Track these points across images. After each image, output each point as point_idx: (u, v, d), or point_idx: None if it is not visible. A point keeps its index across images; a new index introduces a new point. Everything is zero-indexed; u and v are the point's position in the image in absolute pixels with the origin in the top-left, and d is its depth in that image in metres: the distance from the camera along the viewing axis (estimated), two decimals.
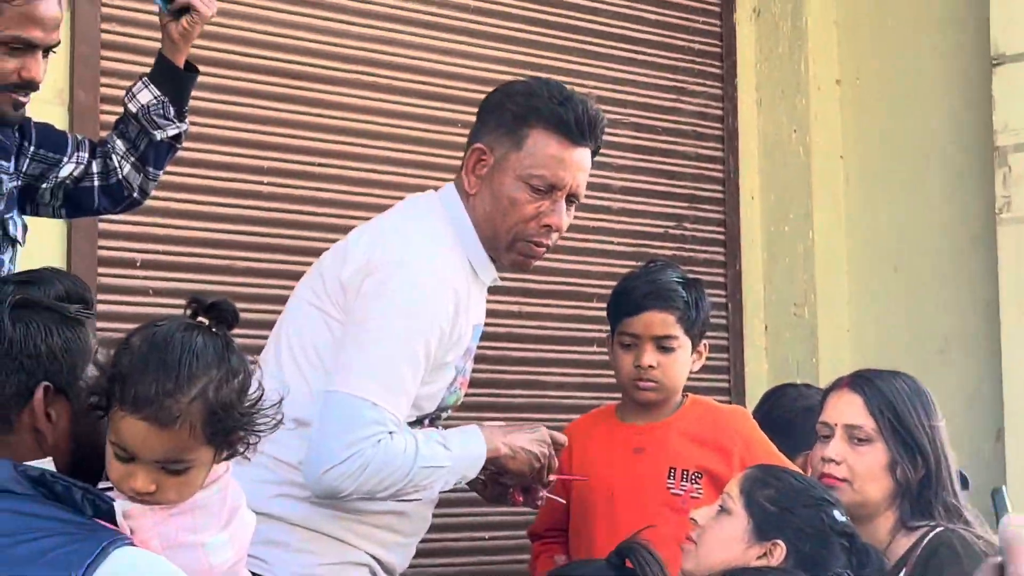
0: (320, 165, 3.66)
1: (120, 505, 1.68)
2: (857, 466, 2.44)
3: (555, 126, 2.42)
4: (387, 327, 2.33)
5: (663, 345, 2.82)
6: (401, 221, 2.52)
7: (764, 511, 2.21)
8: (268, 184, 3.56)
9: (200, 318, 1.79)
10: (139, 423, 1.68)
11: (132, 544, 1.59)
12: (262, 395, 1.81)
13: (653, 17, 4.33)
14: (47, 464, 1.69)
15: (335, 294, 2.37)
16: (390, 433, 2.32)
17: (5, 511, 1.60)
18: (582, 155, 2.44)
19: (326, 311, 2.36)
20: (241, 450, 1.80)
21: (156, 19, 2.55)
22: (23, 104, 2.31)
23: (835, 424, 2.50)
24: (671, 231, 4.35)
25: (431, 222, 2.48)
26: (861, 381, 2.53)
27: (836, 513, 2.20)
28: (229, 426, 1.75)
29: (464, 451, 2.43)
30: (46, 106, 2.93)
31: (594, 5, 4.18)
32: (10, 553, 1.56)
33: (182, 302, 1.91)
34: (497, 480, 2.56)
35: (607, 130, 2.73)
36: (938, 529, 2.39)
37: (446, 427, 2.65)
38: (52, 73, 2.99)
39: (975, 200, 4.09)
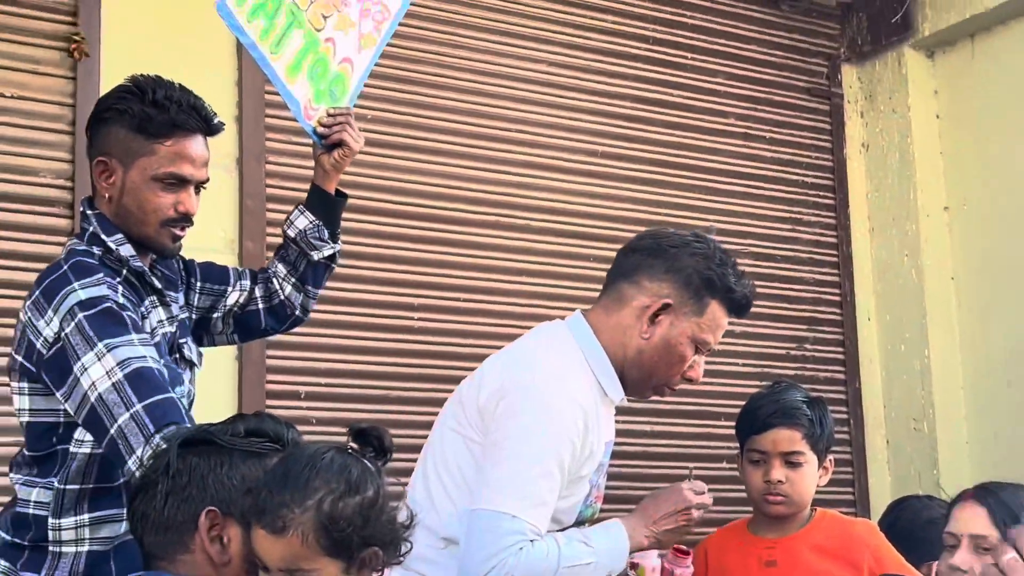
0: (464, 300, 3.86)
1: None
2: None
3: (730, 303, 2.56)
4: (522, 445, 2.40)
5: (791, 460, 2.87)
6: (530, 347, 2.60)
7: None
8: (419, 320, 3.77)
9: (352, 444, 1.85)
10: (259, 531, 1.75)
11: None
12: (396, 514, 1.84)
13: (769, 155, 4.52)
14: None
15: (473, 419, 2.44)
16: (531, 541, 2.36)
17: None
18: None
19: (467, 436, 2.43)
20: (379, 567, 1.81)
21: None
22: (180, 237, 2.43)
23: (961, 535, 2.51)
24: (792, 352, 4.46)
25: (558, 346, 2.56)
26: (984, 493, 2.57)
27: None
28: (348, 540, 1.75)
29: (607, 546, 2.46)
30: (218, 255, 3.15)
31: (714, 146, 4.37)
32: None
33: (343, 430, 2.00)
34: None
35: None
36: None
37: None
38: (223, 224, 3.56)
39: None
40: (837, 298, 4.61)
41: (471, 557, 2.36)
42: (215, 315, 2.63)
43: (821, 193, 4.61)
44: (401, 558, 1.85)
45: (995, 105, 4.53)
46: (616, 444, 2.84)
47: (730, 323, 3.11)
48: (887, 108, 4.75)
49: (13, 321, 2.76)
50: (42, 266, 2.87)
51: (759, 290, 4.23)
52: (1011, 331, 4.43)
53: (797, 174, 4.58)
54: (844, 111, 4.76)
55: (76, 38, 3.38)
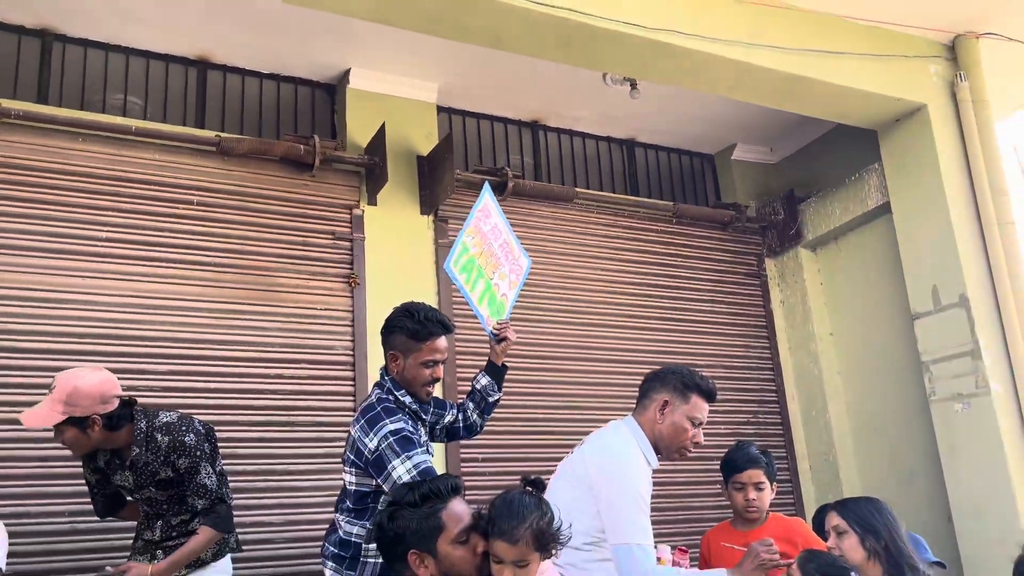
0: (570, 406, 5.07)
1: None
2: (842, 546, 2.93)
3: (702, 392, 3.04)
4: (629, 500, 2.78)
5: (758, 487, 3.55)
6: (611, 438, 3.00)
7: (810, 574, 2.70)
8: (546, 412, 4.94)
9: (527, 488, 2.32)
10: (500, 542, 2.12)
11: None
12: (560, 524, 2.24)
13: (729, 312, 5.81)
14: None
15: (584, 479, 2.85)
16: (658, 559, 2.78)
17: None
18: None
19: (584, 484, 2.82)
20: (553, 553, 2.21)
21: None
22: (432, 391, 3.05)
23: (829, 528, 3.00)
24: (750, 421, 5.73)
25: (624, 435, 2.99)
26: (839, 504, 3.06)
27: (852, 573, 2.69)
28: (547, 542, 2.16)
29: None
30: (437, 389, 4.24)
31: (693, 310, 5.67)
32: None
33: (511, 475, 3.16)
34: None
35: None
36: None
37: None
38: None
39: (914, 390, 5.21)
40: (773, 389, 5.92)
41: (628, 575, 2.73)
42: (438, 426, 3.28)
43: (759, 331, 5.98)
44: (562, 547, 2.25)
45: (849, 277, 5.80)
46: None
47: (711, 408, 3.85)
48: (793, 281, 6.10)
49: (328, 432, 4.04)
50: (333, 402, 4.23)
51: (730, 389, 5.51)
52: (873, 400, 5.58)
53: (746, 321, 5.95)
54: (768, 284, 6.11)
55: (352, 275, 4.66)
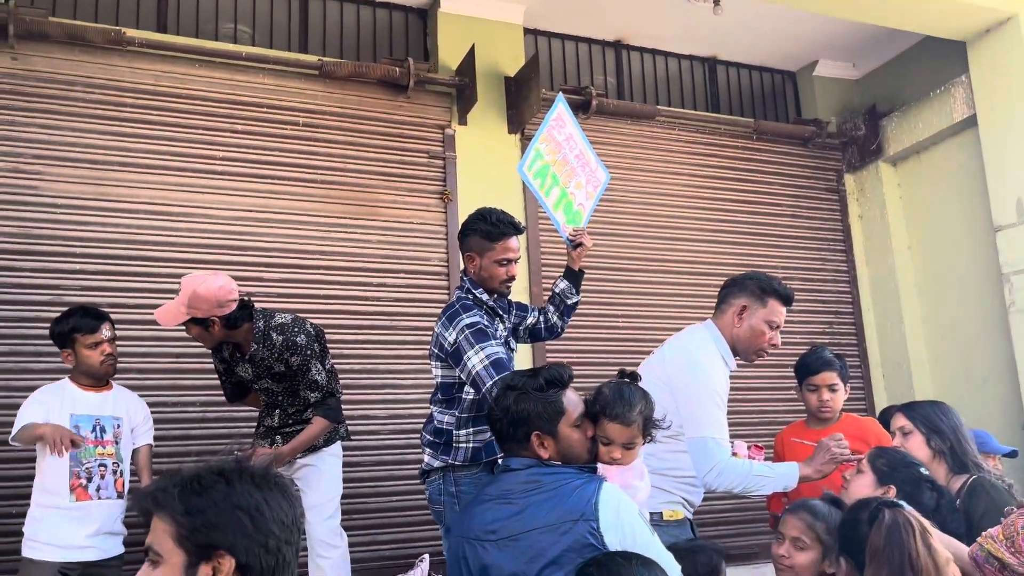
0: (645, 315, 5.14)
1: (601, 468, 2.21)
2: (907, 445, 2.88)
3: (779, 296, 3.00)
4: (706, 396, 2.80)
5: (832, 388, 3.54)
6: (690, 339, 3.02)
7: (881, 471, 2.60)
8: (620, 327, 5.03)
9: (626, 378, 2.38)
10: (615, 425, 2.22)
11: (609, 482, 2.10)
12: (662, 415, 2.37)
13: (811, 224, 5.74)
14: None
15: (663, 378, 2.84)
16: (734, 454, 2.78)
17: (542, 473, 2.15)
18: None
19: (663, 383, 2.80)
20: (652, 437, 2.32)
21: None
22: (510, 288, 3.09)
23: (895, 429, 2.99)
24: (827, 330, 5.73)
25: (704, 337, 3.01)
26: (906, 406, 3.05)
27: (922, 470, 2.58)
28: (652, 426, 2.28)
29: (783, 471, 2.86)
30: (521, 295, 4.50)
31: (776, 221, 5.61)
32: (557, 491, 2.08)
33: (593, 377, 3.06)
34: None
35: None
36: (974, 476, 2.74)
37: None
38: (522, 280, 4.60)
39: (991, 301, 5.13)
40: (849, 300, 5.86)
41: (701, 467, 2.78)
42: (520, 327, 3.34)
43: (837, 245, 5.90)
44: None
45: (931, 191, 5.66)
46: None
47: (788, 318, 3.75)
48: (872, 195, 5.95)
49: (425, 336, 3.93)
50: (430, 308, 4.26)
51: (806, 300, 5.48)
52: (950, 310, 5.53)
53: (824, 235, 5.90)
54: (847, 199, 5.98)
55: (445, 191, 4.81)
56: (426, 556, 4.06)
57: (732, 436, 3.02)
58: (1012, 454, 3.63)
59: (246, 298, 3.48)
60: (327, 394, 3.47)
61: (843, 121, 6.11)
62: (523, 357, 4.67)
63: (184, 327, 3.39)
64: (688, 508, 2.93)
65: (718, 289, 3.13)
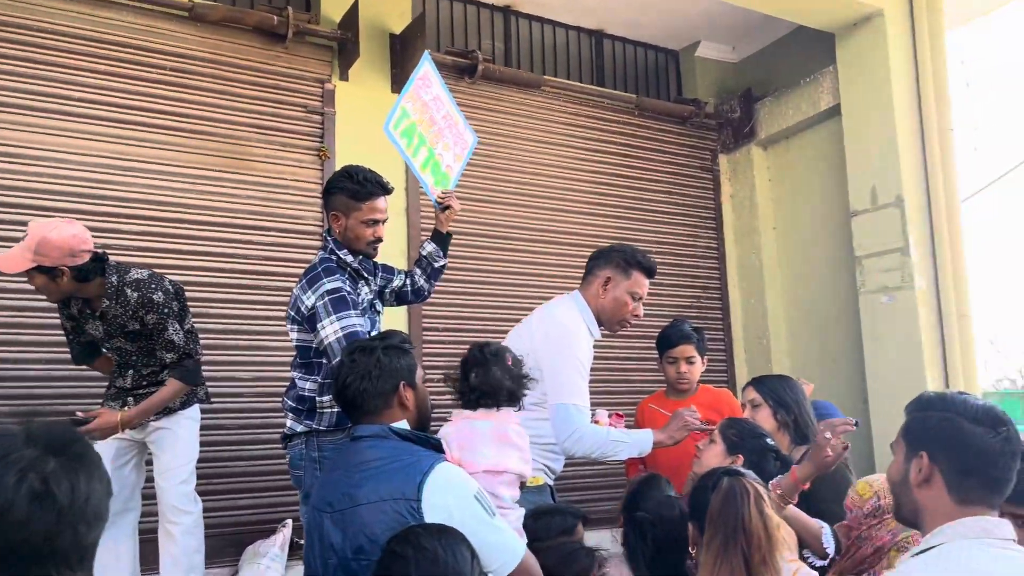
0: (511, 286, 5.07)
1: (445, 443, 2.22)
2: (756, 417, 2.97)
3: (642, 268, 3.11)
4: (570, 364, 2.87)
5: (689, 361, 3.65)
6: (555, 307, 3.10)
7: (731, 441, 2.71)
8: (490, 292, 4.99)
9: (480, 351, 2.47)
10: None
11: (447, 462, 2.06)
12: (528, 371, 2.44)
13: (685, 203, 5.88)
14: (404, 424, 2.15)
15: (530, 347, 2.84)
16: (595, 421, 2.86)
17: (386, 447, 2.07)
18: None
19: (529, 351, 2.75)
20: (520, 407, 2.40)
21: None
22: (376, 250, 3.01)
23: (745, 402, 3.12)
24: (695, 304, 5.84)
25: (570, 306, 3.08)
26: (756, 380, 3.15)
27: (768, 440, 2.72)
28: (521, 387, 2.46)
29: (639, 438, 2.96)
30: (397, 259, 4.40)
31: (651, 198, 5.67)
32: (388, 467, 2.02)
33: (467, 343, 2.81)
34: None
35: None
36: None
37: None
38: (399, 243, 4.57)
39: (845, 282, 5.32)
40: (717, 276, 6.01)
41: (560, 432, 2.84)
42: (387, 291, 3.26)
43: (708, 223, 6.04)
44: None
45: (797, 176, 5.85)
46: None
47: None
48: (743, 177, 6.10)
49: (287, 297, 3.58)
50: (302, 269, 3.40)
51: (676, 275, 5.60)
52: (808, 290, 5.73)
53: (696, 212, 6.02)
54: (720, 178, 6.13)
55: (322, 148, 4.64)
56: (288, 522, 4.07)
57: (596, 404, 3.07)
58: (856, 425, 3.75)
59: (100, 251, 3.24)
60: (184, 355, 3.30)
61: (720, 103, 6.22)
62: (399, 321, 4.61)
63: (27, 276, 3.09)
64: (549, 475, 2.95)
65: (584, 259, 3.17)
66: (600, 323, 3.07)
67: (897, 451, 1.75)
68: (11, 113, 4.02)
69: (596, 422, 2.98)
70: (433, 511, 1.93)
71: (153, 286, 3.20)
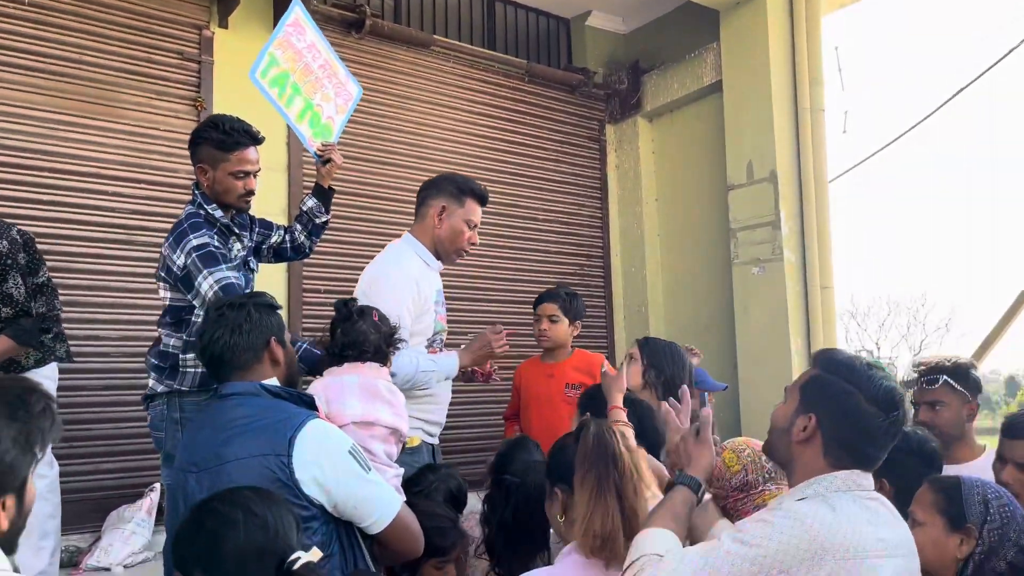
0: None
1: (319, 402, 2.18)
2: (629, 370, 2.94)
3: (475, 195, 3.08)
4: (392, 302, 2.76)
5: (551, 319, 3.67)
6: (382, 255, 3.09)
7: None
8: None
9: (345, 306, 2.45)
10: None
11: (320, 419, 2.04)
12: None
13: (571, 172, 5.88)
14: (273, 381, 2.13)
15: (360, 293, 2.87)
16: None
17: (255, 404, 2.02)
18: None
19: (361, 297, 2.75)
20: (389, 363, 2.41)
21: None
22: (248, 203, 2.87)
23: (627, 354, 3.12)
24: (577, 272, 5.87)
25: (396, 250, 3.05)
26: (642, 342, 3.13)
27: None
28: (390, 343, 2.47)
29: (446, 363, 2.95)
30: (277, 216, 4.30)
31: (539, 166, 5.68)
32: (258, 424, 1.98)
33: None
34: (469, 372, 3.13)
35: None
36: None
37: (446, 343, 3.12)
38: (279, 200, 4.44)
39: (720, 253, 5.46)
40: (600, 245, 6.06)
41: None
42: (264, 247, 3.13)
43: (594, 192, 6.09)
44: None
45: (679, 148, 5.95)
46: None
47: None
48: (628, 148, 6.18)
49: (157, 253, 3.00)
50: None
51: (562, 243, 5.65)
52: (685, 260, 5.86)
53: (583, 181, 6.04)
54: (606, 148, 6.18)
55: (199, 99, 4.41)
56: (156, 486, 3.87)
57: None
58: (724, 388, 4.02)
59: None
60: (21, 312, 3.08)
61: (609, 73, 6.23)
62: (278, 280, 4.44)
63: None
64: (428, 433, 2.93)
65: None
66: (438, 256, 3.06)
67: (790, 399, 1.79)
68: None
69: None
70: (304, 467, 1.88)
71: (27, 245, 3.00)
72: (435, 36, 5.41)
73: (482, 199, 3.08)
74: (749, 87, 5.26)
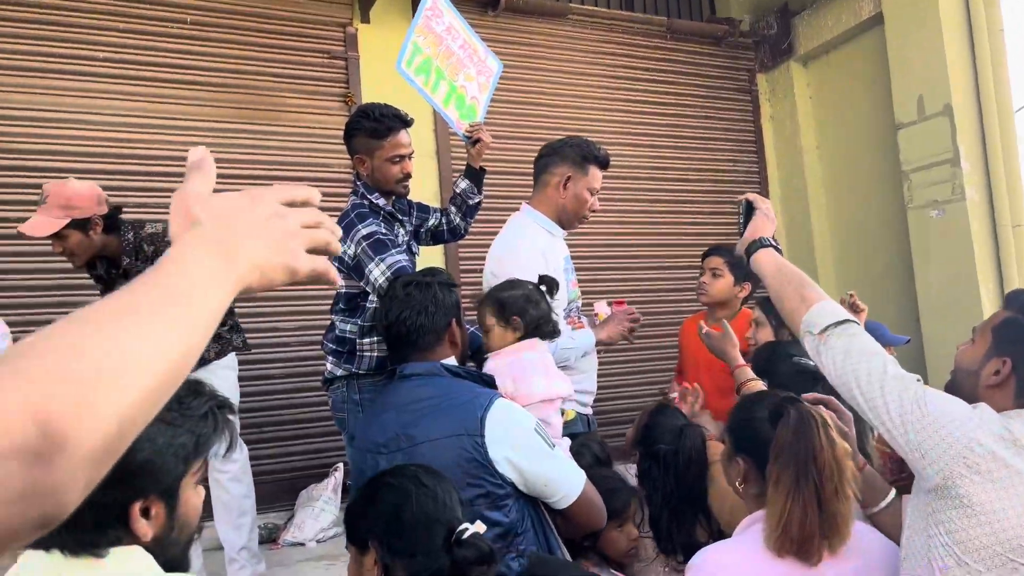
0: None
1: (504, 380, 2.17)
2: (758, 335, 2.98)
3: (598, 161, 2.99)
4: (520, 274, 2.61)
5: (715, 273, 3.46)
6: (504, 231, 3.01)
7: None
8: None
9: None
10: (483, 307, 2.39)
11: (503, 397, 2.04)
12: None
13: (723, 124, 5.68)
14: (453, 361, 2.13)
15: (490, 273, 2.83)
16: (595, 314, 2.94)
17: (439, 384, 2.04)
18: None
19: (492, 277, 2.75)
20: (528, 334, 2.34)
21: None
22: (407, 187, 2.90)
23: (752, 320, 3.10)
24: (736, 232, 5.80)
25: (517, 223, 2.99)
26: (763, 301, 2.98)
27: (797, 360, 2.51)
28: (505, 312, 2.37)
29: (583, 340, 2.90)
30: (431, 199, 4.38)
31: (686, 116, 5.51)
32: (445, 404, 1.99)
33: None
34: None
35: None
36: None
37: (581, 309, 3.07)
38: (431, 184, 4.53)
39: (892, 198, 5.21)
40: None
41: None
42: (422, 230, 3.18)
43: (748, 146, 5.86)
44: None
45: (838, 91, 5.60)
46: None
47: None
48: (783, 96, 5.88)
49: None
50: (334, 217, 4.01)
51: (717, 201, 5.51)
52: (853, 209, 5.56)
53: (735, 136, 5.83)
54: (759, 99, 5.92)
55: (348, 94, 4.57)
56: (340, 465, 4.07)
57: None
58: (906, 342, 3.69)
59: (115, 206, 3.17)
60: None
61: (756, 20, 5.94)
62: (435, 260, 4.52)
63: (57, 238, 3.02)
64: (581, 403, 2.86)
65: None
66: (561, 223, 2.98)
67: (980, 340, 1.69)
68: (33, 77, 3.98)
69: (596, 315, 2.99)
70: (496, 446, 1.90)
71: (167, 239, 3.09)
72: (571, 4, 5.31)
73: (604, 164, 2.99)
74: (914, 14, 4.83)
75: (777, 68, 5.87)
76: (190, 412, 1.20)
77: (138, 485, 1.12)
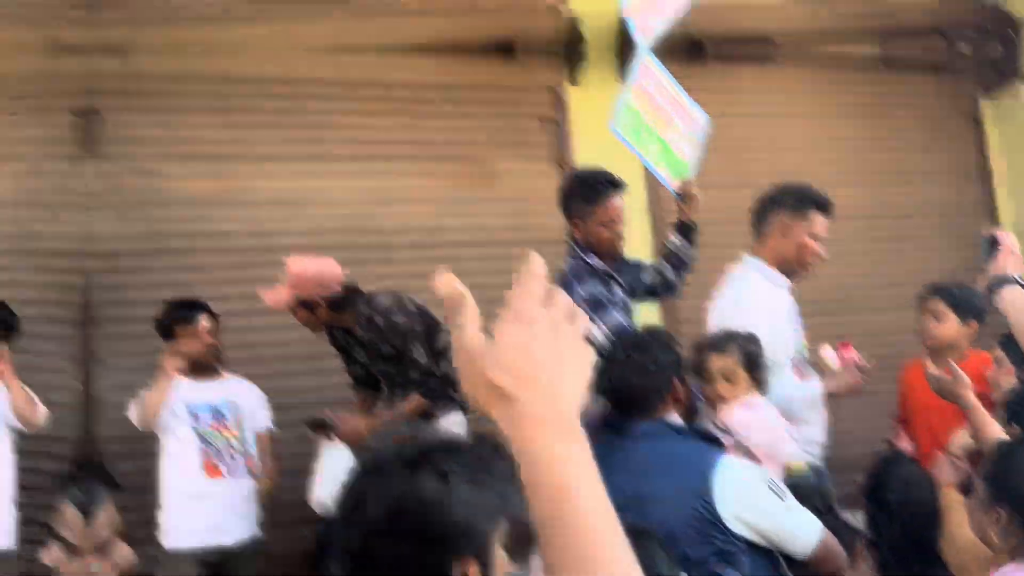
0: None
1: (725, 439, 2.21)
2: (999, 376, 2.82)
3: (818, 205, 2.95)
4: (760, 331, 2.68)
5: (937, 316, 3.20)
6: (727, 285, 2.99)
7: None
8: None
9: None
10: (713, 355, 2.46)
11: (729, 455, 2.08)
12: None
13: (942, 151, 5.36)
14: (676, 419, 2.16)
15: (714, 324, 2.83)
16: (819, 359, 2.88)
17: (666, 443, 2.05)
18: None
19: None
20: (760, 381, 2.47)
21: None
22: (621, 247, 2.98)
23: (994, 357, 2.88)
24: (965, 268, 5.07)
25: (741, 276, 2.96)
26: (1005, 338, 2.72)
27: None
28: (753, 360, 2.50)
29: (813, 392, 2.86)
30: (644, 253, 3.96)
31: (904, 147, 5.25)
32: (673, 464, 2.01)
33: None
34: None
35: None
36: None
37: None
38: (645, 238, 4.38)
39: None
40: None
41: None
42: (637, 288, 3.19)
43: (975, 174, 5.42)
44: None
45: None
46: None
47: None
48: (1011, 120, 5.35)
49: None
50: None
51: (945, 236, 5.06)
52: None
53: (959, 166, 5.39)
54: (984, 124, 5.47)
55: (561, 157, 4.55)
56: None
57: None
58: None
59: (350, 283, 3.41)
60: (426, 374, 3.36)
61: (976, 39, 5.46)
62: (652, 318, 4.37)
63: (291, 312, 3.34)
64: (810, 452, 2.78)
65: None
66: (784, 273, 2.92)
67: None
68: (276, 163, 4.24)
69: (823, 359, 2.93)
70: (726, 504, 1.92)
71: (396, 309, 3.33)
72: (777, 45, 5.11)
73: (825, 207, 2.92)
74: None
75: (1003, 91, 5.41)
76: (496, 471, 1.14)
77: (458, 544, 1.09)
